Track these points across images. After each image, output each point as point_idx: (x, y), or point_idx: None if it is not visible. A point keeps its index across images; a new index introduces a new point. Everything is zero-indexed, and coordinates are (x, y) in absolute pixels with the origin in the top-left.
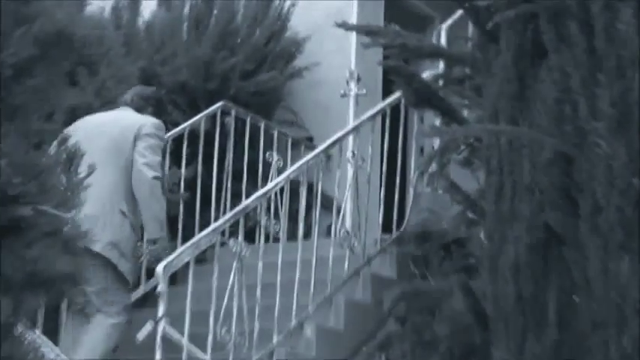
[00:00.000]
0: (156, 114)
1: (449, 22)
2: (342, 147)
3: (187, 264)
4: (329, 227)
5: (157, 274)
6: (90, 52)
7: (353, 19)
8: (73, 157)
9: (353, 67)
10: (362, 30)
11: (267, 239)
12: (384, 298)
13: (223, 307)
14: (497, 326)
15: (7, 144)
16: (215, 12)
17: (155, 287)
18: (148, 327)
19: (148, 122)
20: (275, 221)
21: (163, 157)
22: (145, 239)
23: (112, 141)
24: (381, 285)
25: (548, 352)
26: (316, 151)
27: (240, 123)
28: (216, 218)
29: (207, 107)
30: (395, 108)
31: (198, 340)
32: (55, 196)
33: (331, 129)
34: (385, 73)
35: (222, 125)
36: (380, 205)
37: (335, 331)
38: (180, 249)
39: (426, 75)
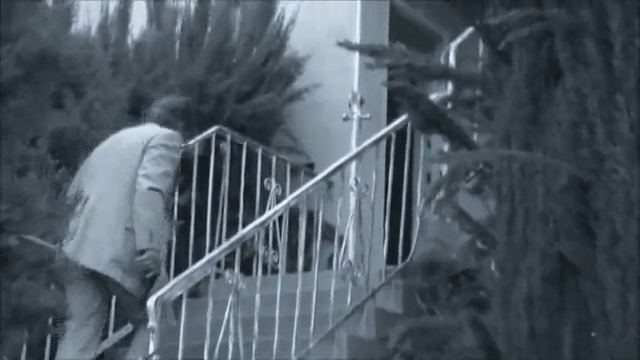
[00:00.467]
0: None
1: (458, 40)
2: (345, 174)
3: (180, 297)
4: (330, 258)
5: (148, 308)
6: (76, 73)
7: (356, 38)
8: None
9: (356, 88)
10: (365, 49)
11: (265, 271)
12: (389, 334)
13: (218, 343)
14: None
15: None
16: (209, 30)
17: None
18: None
19: (159, 133)
20: (273, 252)
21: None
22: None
23: (119, 158)
24: (385, 320)
25: None
26: (317, 178)
27: (236, 148)
28: (211, 248)
29: (201, 131)
30: (400, 132)
31: None
32: (40, 225)
33: (333, 154)
34: (390, 95)
35: (217, 150)
36: (384, 234)
37: None
38: (172, 281)
39: (434, 97)
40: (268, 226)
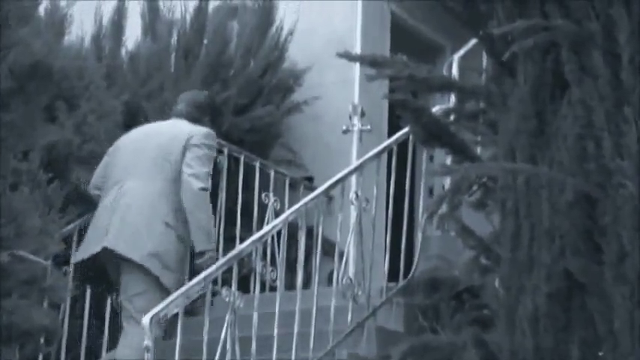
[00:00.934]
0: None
1: (461, 52)
2: (345, 187)
3: (176, 315)
4: (330, 275)
5: (143, 326)
6: (69, 85)
7: (356, 49)
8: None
9: (356, 100)
10: (366, 60)
11: (262, 288)
12: (390, 352)
13: None
14: None
15: None
16: (205, 41)
17: None
18: None
19: (198, 132)
20: (272, 268)
21: None
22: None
23: (160, 151)
24: (387, 338)
25: None
26: (316, 192)
27: (233, 162)
28: None
29: None
30: (402, 145)
31: None
32: (32, 241)
33: (333, 168)
34: (391, 107)
35: (215, 164)
36: (386, 250)
37: None
38: (168, 299)
39: (436, 109)
40: (266, 241)
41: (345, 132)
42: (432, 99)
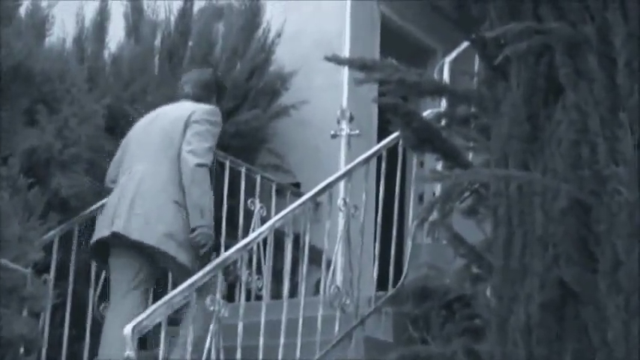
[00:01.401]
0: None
1: (453, 55)
2: (333, 194)
3: (159, 325)
4: (317, 284)
5: (125, 336)
6: (50, 88)
7: (345, 52)
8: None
9: (345, 104)
10: (355, 64)
11: (248, 297)
12: None
13: None
14: None
15: None
16: (190, 43)
17: None
18: None
19: (199, 109)
20: (257, 277)
21: None
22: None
23: (164, 133)
24: (375, 349)
25: None
26: (303, 198)
27: (218, 167)
28: None
29: None
30: (391, 150)
31: None
32: (11, 249)
33: (320, 174)
34: (381, 111)
35: None
36: (374, 258)
37: None
38: (151, 308)
39: (427, 114)
40: (252, 249)
41: (334, 137)
42: (423, 103)
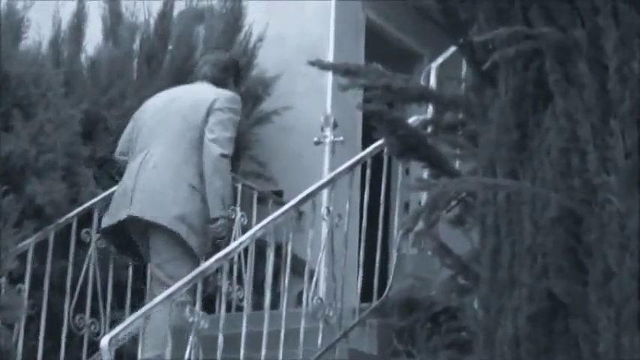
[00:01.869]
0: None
1: (439, 60)
2: (316, 202)
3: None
4: (300, 295)
5: (101, 348)
6: (25, 93)
7: (329, 56)
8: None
9: (329, 110)
10: (339, 69)
11: (228, 308)
12: None
13: None
14: None
15: None
16: (170, 47)
17: None
18: None
19: (221, 96)
20: (238, 287)
21: None
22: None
23: (183, 116)
24: None
25: None
26: (286, 206)
27: None
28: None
29: None
30: (376, 158)
31: None
32: None
33: (303, 181)
34: (365, 118)
35: None
36: (359, 269)
37: None
38: (128, 319)
39: (413, 121)
40: (233, 258)
41: (317, 144)
42: (409, 110)
